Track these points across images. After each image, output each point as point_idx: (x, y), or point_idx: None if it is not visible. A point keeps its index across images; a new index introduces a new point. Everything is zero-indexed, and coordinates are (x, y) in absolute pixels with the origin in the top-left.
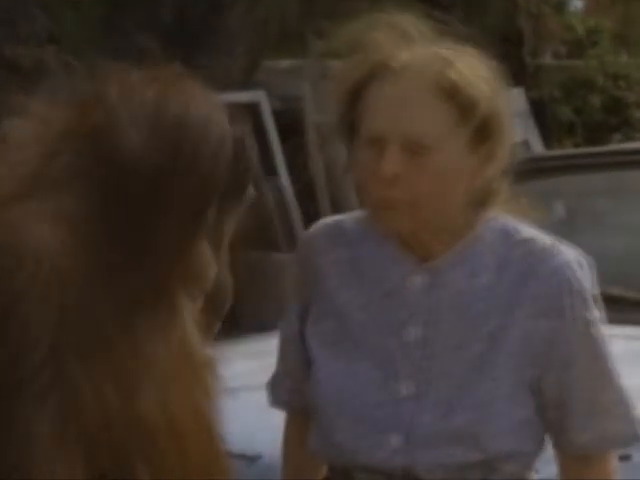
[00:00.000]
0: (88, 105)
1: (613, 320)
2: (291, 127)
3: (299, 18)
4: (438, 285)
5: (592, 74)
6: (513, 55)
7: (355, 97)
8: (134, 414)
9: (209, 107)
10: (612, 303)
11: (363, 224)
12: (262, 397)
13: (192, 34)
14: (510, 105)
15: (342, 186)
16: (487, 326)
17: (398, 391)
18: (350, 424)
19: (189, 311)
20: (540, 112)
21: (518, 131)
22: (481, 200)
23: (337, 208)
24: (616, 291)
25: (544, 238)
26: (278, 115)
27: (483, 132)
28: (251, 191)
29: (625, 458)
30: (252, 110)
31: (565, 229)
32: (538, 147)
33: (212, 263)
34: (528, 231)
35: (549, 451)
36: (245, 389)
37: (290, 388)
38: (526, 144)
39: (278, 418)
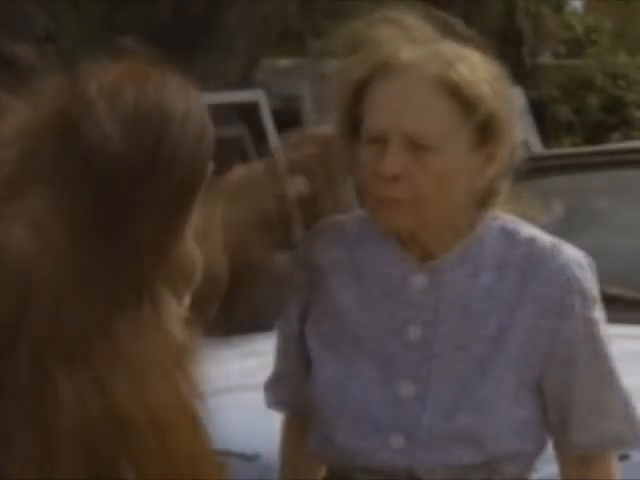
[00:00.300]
0: (68, 102)
1: (611, 319)
2: (290, 126)
3: (298, 17)
4: (438, 285)
5: (591, 73)
6: (512, 55)
7: (357, 96)
8: (116, 413)
9: (188, 102)
10: (611, 302)
11: (364, 224)
12: (261, 397)
13: (191, 33)
14: (514, 104)
15: (341, 185)
16: (488, 327)
17: (399, 392)
18: (351, 425)
19: (173, 308)
20: (539, 111)
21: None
22: (482, 200)
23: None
24: (615, 290)
25: (545, 238)
26: (277, 114)
27: (485, 132)
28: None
29: (623, 458)
30: (251, 109)
31: (564, 228)
32: (537, 147)
33: (199, 260)
34: (529, 231)
35: (548, 450)
36: (244, 389)
37: (289, 389)
38: (525, 144)
39: (277, 418)
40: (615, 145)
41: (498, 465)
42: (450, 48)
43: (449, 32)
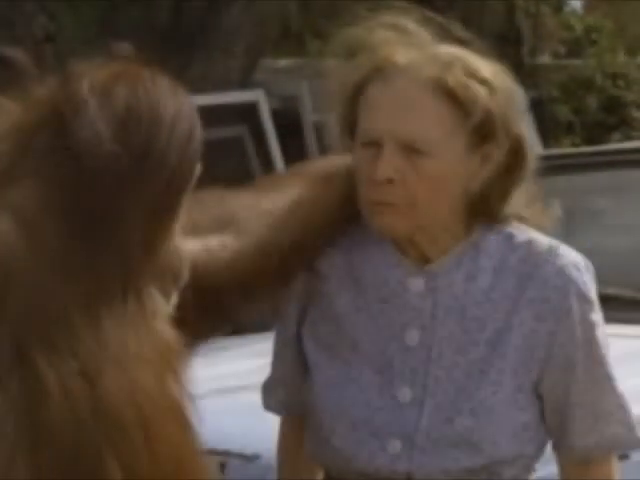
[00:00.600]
0: (60, 101)
1: (610, 319)
2: (290, 126)
3: (298, 17)
4: (435, 289)
5: (591, 73)
6: (511, 54)
7: (354, 99)
8: (101, 402)
9: (177, 104)
10: (609, 302)
11: (362, 227)
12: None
13: (190, 33)
14: (515, 103)
15: None
16: (486, 331)
17: (397, 396)
18: (349, 429)
19: (161, 306)
20: (538, 111)
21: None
22: (479, 203)
23: None
24: (613, 290)
25: (543, 240)
26: (277, 114)
27: (481, 135)
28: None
29: (623, 458)
30: (250, 109)
31: (562, 228)
32: (536, 146)
33: (186, 259)
34: (526, 234)
35: (548, 451)
36: (244, 389)
37: (286, 391)
38: None
39: (277, 418)
40: (615, 145)
41: (497, 468)
42: (447, 51)
43: (446, 35)
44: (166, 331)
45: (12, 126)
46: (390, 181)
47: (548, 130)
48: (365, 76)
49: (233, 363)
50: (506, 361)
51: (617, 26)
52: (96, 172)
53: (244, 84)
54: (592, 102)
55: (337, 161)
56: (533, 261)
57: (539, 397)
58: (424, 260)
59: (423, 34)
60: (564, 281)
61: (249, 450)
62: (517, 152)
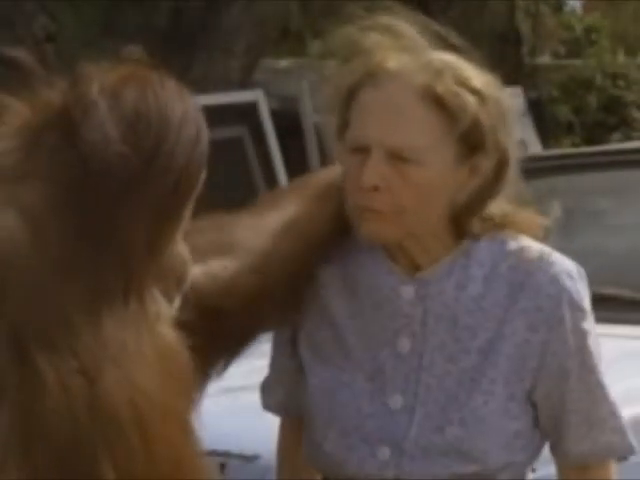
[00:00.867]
0: (69, 102)
1: (609, 319)
2: (290, 127)
3: (297, 18)
4: (426, 297)
5: (590, 74)
6: (511, 54)
7: (347, 103)
8: (98, 401)
9: (184, 106)
10: (608, 302)
11: (355, 234)
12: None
13: (190, 34)
14: (506, 114)
15: None
16: (477, 339)
17: (388, 403)
18: (340, 435)
19: (163, 308)
20: (538, 112)
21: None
22: (469, 212)
23: None
24: (613, 290)
25: (535, 248)
26: (276, 115)
27: (470, 146)
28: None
29: (622, 458)
30: (250, 110)
31: (562, 229)
32: (536, 146)
33: (189, 263)
34: (518, 241)
35: (547, 451)
36: (244, 389)
37: (284, 391)
38: (524, 143)
39: (276, 418)
40: (614, 145)
41: (490, 476)
42: (439, 58)
43: (441, 41)
44: (167, 334)
45: (21, 125)
46: (376, 188)
47: (548, 130)
48: (358, 81)
49: (234, 363)
50: (498, 370)
51: (617, 26)
52: (103, 174)
53: (244, 84)
54: (592, 102)
55: (334, 173)
56: (525, 269)
57: (533, 404)
58: (415, 268)
59: (418, 39)
60: (557, 290)
61: (249, 451)
62: (503, 165)
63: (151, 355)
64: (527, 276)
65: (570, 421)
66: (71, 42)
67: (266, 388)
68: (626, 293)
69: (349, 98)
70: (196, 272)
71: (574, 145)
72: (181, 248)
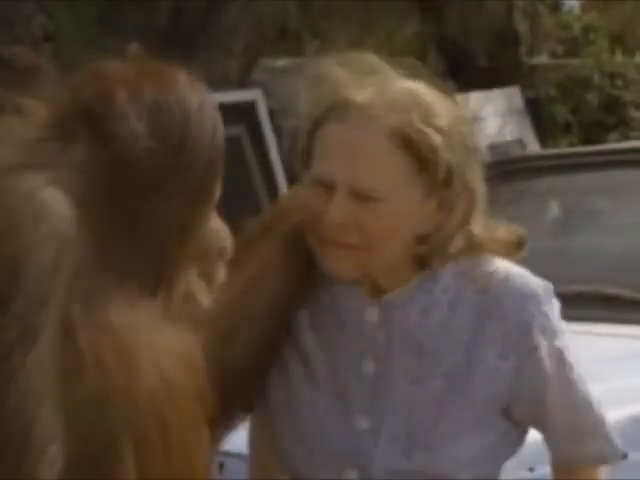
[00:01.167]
0: (93, 101)
1: (609, 319)
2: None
3: (296, 18)
4: (390, 320)
5: (588, 73)
6: (509, 54)
7: (312, 133)
8: (127, 382)
9: (199, 96)
10: (608, 302)
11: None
12: None
13: (189, 33)
14: (473, 150)
15: None
16: (442, 365)
17: (353, 425)
18: (307, 453)
19: (197, 288)
20: (536, 111)
21: (514, 130)
22: (434, 244)
23: None
24: (612, 290)
25: (502, 271)
26: (275, 114)
27: (437, 182)
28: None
29: (622, 457)
30: (248, 109)
31: (560, 228)
32: (534, 146)
33: (227, 235)
34: (485, 264)
35: (544, 450)
36: None
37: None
38: (521, 143)
39: None
40: (612, 145)
41: None
42: (407, 91)
43: (415, 75)
44: (186, 334)
45: (49, 120)
46: (341, 226)
47: (546, 130)
48: (322, 113)
49: None
50: (467, 397)
51: (614, 26)
52: (133, 168)
53: (242, 84)
54: (590, 102)
55: (297, 208)
56: (492, 295)
57: (506, 417)
58: (380, 291)
59: (385, 68)
60: (524, 317)
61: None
62: (470, 199)
63: (173, 350)
64: (494, 302)
65: (555, 433)
66: (70, 42)
67: None
68: (626, 293)
69: (314, 129)
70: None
71: (572, 145)
72: (215, 224)
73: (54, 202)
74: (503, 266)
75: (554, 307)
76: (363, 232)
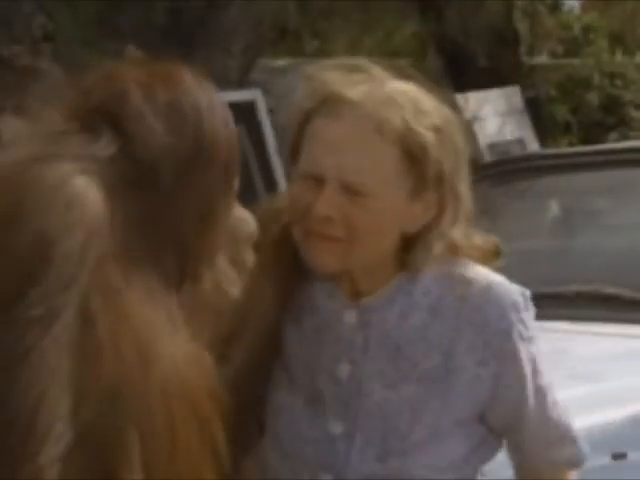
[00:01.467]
0: (107, 102)
1: (609, 319)
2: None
3: (295, 17)
4: (368, 323)
5: (588, 73)
6: (509, 54)
7: (301, 127)
8: (142, 376)
9: (206, 92)
10: (608, 302)
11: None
12: None
13: (188, 33)
14: (462, 153)
15: None
16: (419, 369)
17: (327, 428)
18: (282, 457)
19: (228, 277)
20: (536, 111)
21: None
22: (417, 245)
23: None
24: (612, 290)
25: (482, 278)
26: (274, 114)
27: (426, 182)
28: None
29: (620, 457)
30: (248, 109)
31: (560, 228)
32: (534, 146)
33: (250, 220)
34: (466, 270)
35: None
36: None
37: None
38: (521, 142)
39: None
40: (612, 145)
41: None
42: (400, 90)
43: (406, 78)
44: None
45: (68, 117)
46: (328, 219)
47: (546, 129)
48: (314, 107)
49: None
50: (445, 404)
51: (614, 26)
52: (156, 165)
53: (242, 83)
54: (590, 102)
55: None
56: (472, 302)
57: (481, 422)
58: (358, 293)
59: (377, 70)
60: (504, 325)
61: None
62: (457, 204)
63: (189, 350)
64: (474, 310)
65: (527, 440)
66: (69, 42)
67: None
68: (625, 292)
69: (304, 123)
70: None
71: (572, 144)
72: (238, 212)
73: (86, 191)
74: (483, 274)
75: (531, 314)
76: (350, 226)
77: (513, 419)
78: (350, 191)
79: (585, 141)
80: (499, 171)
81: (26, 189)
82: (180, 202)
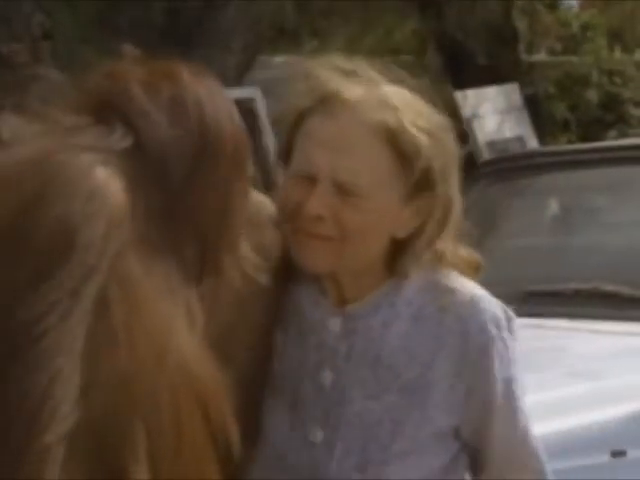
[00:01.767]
0: (112, 100)
1: (607, 316)
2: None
3: (293, 16)
4: (351, 331)
5: (587, 70)
6: (508, 51)
7: (295, 126)
8: (157, 373)
9: (206, 84)
10: (607, 299)
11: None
12: None
13: (187, 31)
14: (454, 158)
15: None
16: (400, 379)
17: (308, 436)
18: (264, 461)
19: (252, 264)
20: (535, 108)
21: (513, 127)
22: (406, 252)
23: None
24: (611, 287)
25: (467, 291)
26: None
27: (418, 185)
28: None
29: (620, 454)
30: (247, 107)
31: (559, 225)
32: (533, 143)
33: (267, 203)
34: (450, 281)
35: (544, 448)
36: None
37: None
38: (521, 140)
39: None
40: (611, 142)
41: None
42: (396, 94)
43: (399, 82)
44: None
45: (79, 111)
46: (320, 218)
47: (544, 127)
48: (309, 106)
49: None
50: (425, 415)
51: (613, 23)
52: (164, 159)
53: (241, 81)
54: (589, 99)
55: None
56: (455, 314)
57: (458, 438)
58: (343, 301)
59: (373, 74)
60: (484, 340)
61: None
62: (448, 210)
63: (199, 347)
64: (456, 322)
65: (494, 460)
66: (68, 40)
67: None
68: (624, 290)
69: (298, 121)
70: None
71: (571, 142)
72: (255, 197)
73: (108, 182)
74: (468, 286)
75: (513, 336)
76: (341, 226)
77: (481, 436)
78: (342, 191)
79: (584, 139)
80: (498, 169)
81: (49, 177)
82: (194, 193)
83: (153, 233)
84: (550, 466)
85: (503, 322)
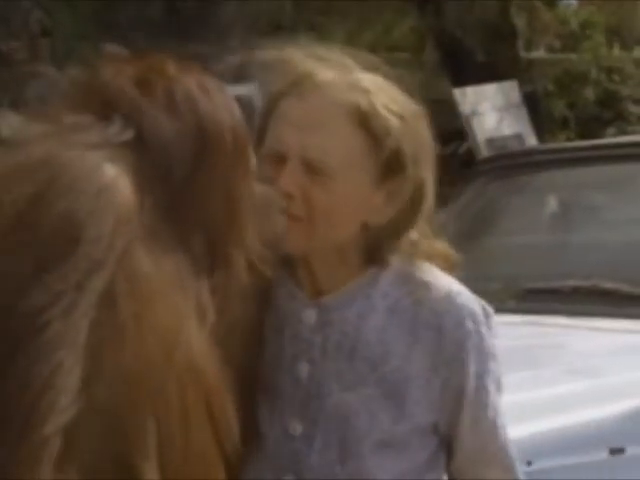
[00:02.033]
0: (112, 99)
1: (607, 314)
2: None
3: (292, 13)
4: (327, 323)
5: (586, 67)
6: (507, 48)
7: (269, 109)
8: (165, 368)
9: (196, 77)
10: (606, 297)
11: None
12: None
13: (184, 27)
14: (426, 145)
15: None
16: (378, 371)
17: (287, 429)
18: (248, 455)
19: (260, 257)
20: (533, 105)
21: (511, 124)
22: (380, 240)
23: None
24: (610, 285)
25: (443, 284)
26: None
27: (389, 168)
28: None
29: (619, 451)
30: (245, 103)
31: (558, 223)
32: (531, 140)
33: (271, 192)
34: (427, 276)
35: (542, 445)
36: None
37: None
38: (519, 137)
39: None
40: (610, 139)
41: None
42: (369, 79)
43: (373, 69)
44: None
45: (78, 109)
46: (290, 196)
47: (543, 124)
48: (283, 89)
49: None
50: (402, 410)
51: (612, 20)
52: (167, 154)
53: (238, 78)
54: (588, 96)
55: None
56: (431, 307)
57: (436, 432)
58: (319, 293)
59: (347, 60)
60: (461, 334)
61: None
62: (420, 195)
63: (206, 343)
64: (432, 316)
65: (465, 455)
66: (66, 37)
67: None
68: (623, 287)
69: (271, 106)
70: None
71: (569, 139)
72: (258, 187)
73: (116, 179)
74: (445, 281)
75: (490, 331)
76: (310, 205)
77: (451, 428)
78: (311, 169)
79: (583, 136)
80: (497, 166)
81: (58, 175)
82: (198, 184)
83: (161, 227)
84: (548, 463)
85: (480, 317)
